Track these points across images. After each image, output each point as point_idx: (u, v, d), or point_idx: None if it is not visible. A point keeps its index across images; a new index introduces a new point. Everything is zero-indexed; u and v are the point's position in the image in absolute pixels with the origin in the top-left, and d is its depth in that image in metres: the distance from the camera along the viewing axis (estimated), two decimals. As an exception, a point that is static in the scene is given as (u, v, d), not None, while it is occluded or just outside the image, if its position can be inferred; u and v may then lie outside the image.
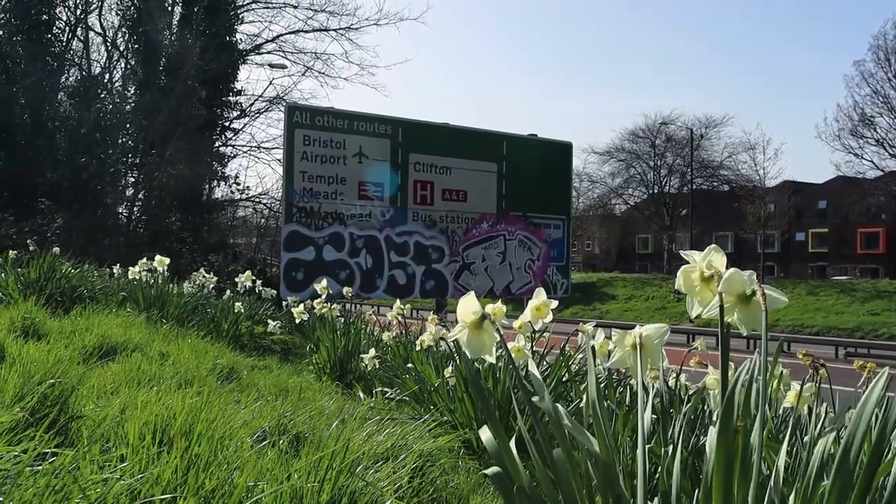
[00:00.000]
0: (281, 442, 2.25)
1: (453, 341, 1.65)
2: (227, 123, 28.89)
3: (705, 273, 1.50)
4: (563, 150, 19.11)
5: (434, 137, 17.03)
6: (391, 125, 16.48)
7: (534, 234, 18.11)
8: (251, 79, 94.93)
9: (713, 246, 1.51)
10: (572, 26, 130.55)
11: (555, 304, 3.20)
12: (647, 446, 1.51)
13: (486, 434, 1.34)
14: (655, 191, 58.49)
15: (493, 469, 1.26)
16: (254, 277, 8.52)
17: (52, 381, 2.17)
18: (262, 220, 31.99)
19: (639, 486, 1.36)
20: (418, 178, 16.67)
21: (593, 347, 1.87)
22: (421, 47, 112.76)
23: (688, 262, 1.55)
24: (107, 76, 25.57)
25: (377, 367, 5.04)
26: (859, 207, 52.86)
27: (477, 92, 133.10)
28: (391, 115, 17.05)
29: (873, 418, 1.20)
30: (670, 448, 1.65)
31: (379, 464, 2.43)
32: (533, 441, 1.41)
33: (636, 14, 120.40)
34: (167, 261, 7.83)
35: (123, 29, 25.79)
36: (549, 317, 3.16)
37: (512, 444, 1.44)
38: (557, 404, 1.41)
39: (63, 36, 24.68)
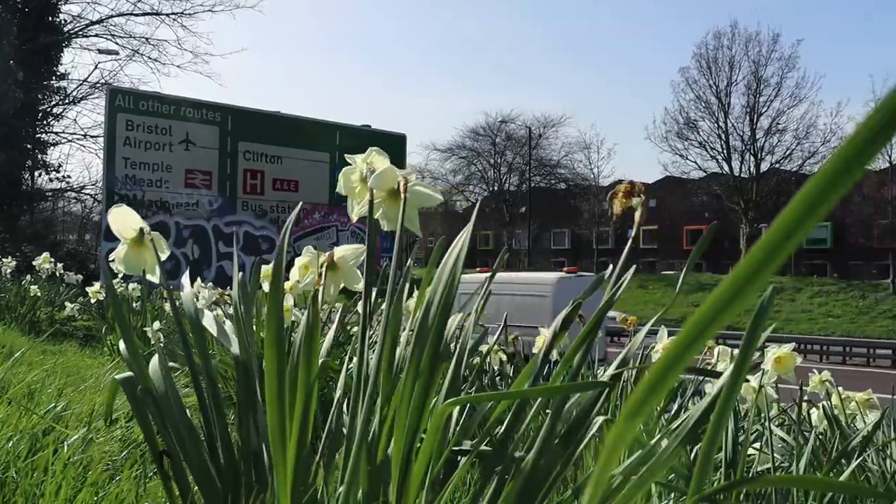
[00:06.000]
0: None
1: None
2: (48, 108, 27.25)
3: (364, 174, 1.55)
4: (396, 142, 19.26)
5: (265, 126, 16.77)
6: (220, 112, 16.09)
7: (367, 226, 18.15)
8: (77, 62, 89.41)
9: (375, 148, 1.56)
10: (415, 20, 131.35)
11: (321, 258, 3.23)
12: (323, 360, 1.55)
13: (122, 345, 1.35)
14: (496, 188, 59.94)
15: (125, 374, 1.27)
16: (52, 259, 8.10)
17: None
18: (88, 212, 30.41)
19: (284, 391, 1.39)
20: (248, 167, 16.37)
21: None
22: (258, 37, 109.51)
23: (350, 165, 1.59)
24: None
25: (161, 341, 4.91)
26: (685, 206, 56.11)
27: (318, 85, 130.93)
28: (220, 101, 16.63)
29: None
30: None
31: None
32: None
33: (483, 10, 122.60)
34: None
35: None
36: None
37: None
38: (206, 310, 1.43)
39: None
